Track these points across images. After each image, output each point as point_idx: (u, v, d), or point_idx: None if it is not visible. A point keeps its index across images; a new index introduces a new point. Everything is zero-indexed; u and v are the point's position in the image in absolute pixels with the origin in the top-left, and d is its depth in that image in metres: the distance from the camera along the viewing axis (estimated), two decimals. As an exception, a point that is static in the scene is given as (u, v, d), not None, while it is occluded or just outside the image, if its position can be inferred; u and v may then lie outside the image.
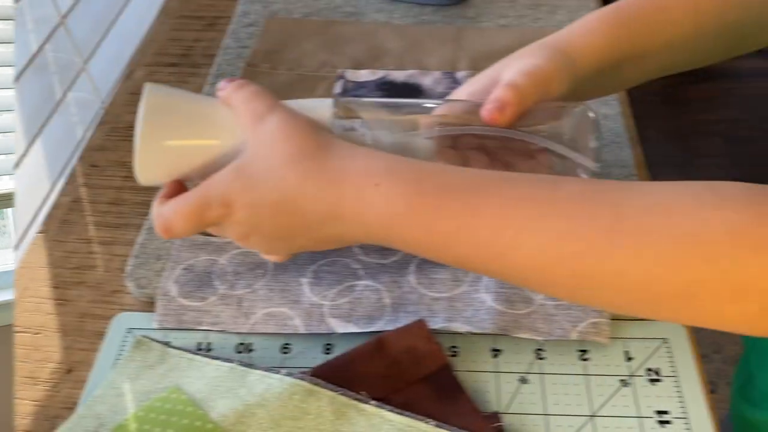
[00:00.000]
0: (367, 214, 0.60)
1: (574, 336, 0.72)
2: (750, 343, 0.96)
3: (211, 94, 1.01)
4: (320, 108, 0.69)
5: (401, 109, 0.73)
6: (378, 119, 0.70)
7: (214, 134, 0.65)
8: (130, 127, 0.99)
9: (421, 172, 0.60)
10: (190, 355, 0.73)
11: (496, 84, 0.70)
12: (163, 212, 0.65)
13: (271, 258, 0.72)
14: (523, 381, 0.72)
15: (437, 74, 1.06)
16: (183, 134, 0.65)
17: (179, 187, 0.68)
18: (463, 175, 0.60)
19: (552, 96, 0.71)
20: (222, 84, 0.68)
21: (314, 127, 0.64)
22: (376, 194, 0.59)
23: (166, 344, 0.74)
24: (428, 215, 0.59)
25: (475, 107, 0.70)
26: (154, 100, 0.63)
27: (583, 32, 0.77)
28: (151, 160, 0.65)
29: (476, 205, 0.58)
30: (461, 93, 0.75)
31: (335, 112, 0.69)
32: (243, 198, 0.62)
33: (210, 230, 0.67)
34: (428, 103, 0.73)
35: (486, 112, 0.67)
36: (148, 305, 0.80)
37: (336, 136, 0.65)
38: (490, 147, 0.72)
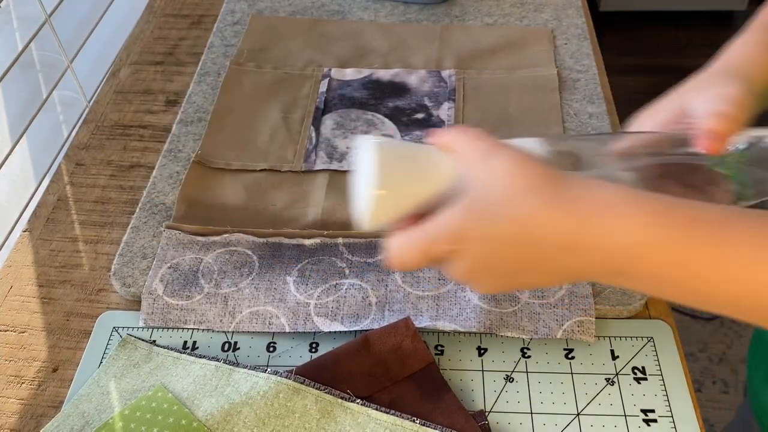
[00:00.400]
0: (609, 244, 0.57)
1: (559, 335, 0.72)
2: None
3: (199, 91, 1.02)
4: (532, 145, 0.69)
5: (600, 142, 0.72)
6: (586, 153, 0.70)
7: (435, 177, 0.65)
8: (116, 126, 1.00)
9: (662, 204, 0.57)
10: (176, 354, 0.73)
11: (684, 114, 0.70)
12: (395, 246, 0.65)
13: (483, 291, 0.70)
14: (509, 379, 0.72)
15: (423, 72, 1.06)
16: (411, 181, 0.65)
17: (412, 220, 0.67)
18: (703, 208, 0.58)
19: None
20: (438, 132, 0.67)
21: (543, 161, 0.63)
22: (618, 224, 0.56)
23: (152, 343, 0.74)
24: (676, 248, 0.56)
25: (666, 138, 0.70)
26: (382, 154, 0.63)
27: (748, 51, 0.78)
28: (382, 208, 0.65)
29: (727, 238, 0.56)
30: (645, 124, 0.74)
31: (550, 150, 0.68)
32: (475, 232, 0.59)
33: (435, 266, 0.66)
34: (619, 135, 0.73)
35: (705, 142, 0.66)
36: (134, 304, 0.80)
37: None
38: (677, 174, 0.71)
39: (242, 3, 1.21)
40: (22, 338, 0.78)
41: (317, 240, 0.82)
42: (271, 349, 0.75)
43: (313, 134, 0.96)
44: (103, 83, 1.11)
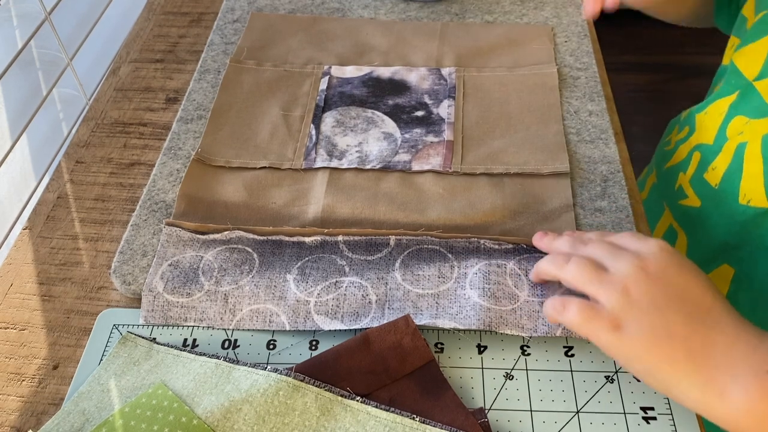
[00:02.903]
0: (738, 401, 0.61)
1: (559, 333, 0.72)
2: None
3: (199, 89, 1.02)
4: None
5: None
6: None
7: None
8: (116, 124, 1.00)
9: None
10: (176, 351, 0.73)
11: None
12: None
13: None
14: (509, 377, 0.72)
15: (423, 70, 1.06)
16: None
17: None
18: None
19: None
20: None
21: None
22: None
23: (152, 340, 0.74)
24: None
25: None
26: None
27: None
28: None
29: None
30: None
31: None
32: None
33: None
34: None
35: None
36: (134, 301, 0.80)
37: None
38: None
39: (242, 1, 1.21)
40: (22, 336, 0.78)
41: (317, 238, 0.82)
42: (271, 346, 0.75)
43: (313, 132, 0.96)
44: (103, 81, 1.11)
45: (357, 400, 0.67)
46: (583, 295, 0.69)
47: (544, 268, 0.74)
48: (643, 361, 0.64)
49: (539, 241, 0.79)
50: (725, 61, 0.96)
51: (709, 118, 0.94)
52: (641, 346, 0.64)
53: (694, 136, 0.97)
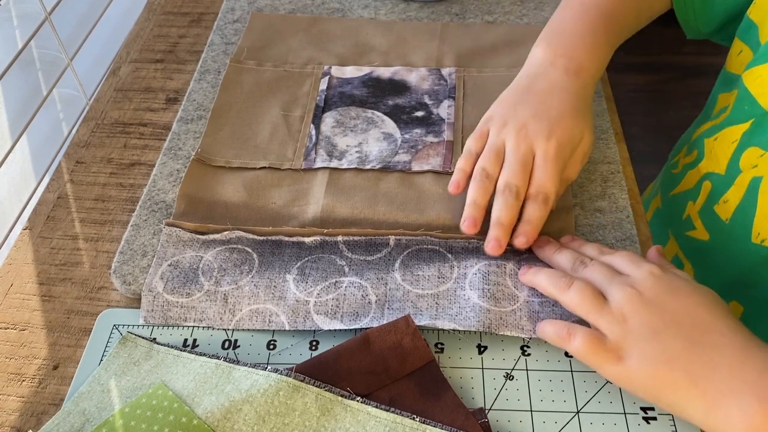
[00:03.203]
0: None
1: (559, 332, 0.72)
2: None
3: (199, 89, 1.02)
4: None
5: None
6: None
7: None
8: (116, 124, 1.00)
9: None
10: (176, 352, 0.73)
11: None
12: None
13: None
14: (509, 377, 0.72)
15: (423, 70, 1.06)
16: None
17: None
18: None
19: None
20: None
21: None
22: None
23: (152, 340, 0.74)
24: None
25: None
26: None
27: (590, 46, 0.90)
28: None
29: None
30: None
31: None
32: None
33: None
34: None
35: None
36: (134, 302, 0.80)
37: None
38: None
39: (242, 1, 1.21)
40: (22, 336, 0.78)
41: (317, 238, 0.82)
42: (271, 346, 0.75)
43: (313, 132, 0.96)
44: (103, 81, 1.11)
45: (357, 401, 0.67)
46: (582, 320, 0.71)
47: (544, 286, 0.74)
48: (648, 389, 0.65)
49: (540, 250, 0.79)
50: (730, 67, 0.93)
51: (720, 145, 0.91)
52: (644, 375, 0.65)
53: (704, 162, 0.95)
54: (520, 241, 0.78)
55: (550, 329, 0.71)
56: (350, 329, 0.75)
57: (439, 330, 0.75)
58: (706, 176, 0.93)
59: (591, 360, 0.67)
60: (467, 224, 0.79)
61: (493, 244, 0.77)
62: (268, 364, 0.73)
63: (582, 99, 0.86)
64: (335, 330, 0.75)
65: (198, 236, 0.82)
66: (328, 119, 0.98)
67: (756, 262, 0.85)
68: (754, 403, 0.60)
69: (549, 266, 0.77)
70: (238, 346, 0.75)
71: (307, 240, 0.82)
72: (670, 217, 1.02)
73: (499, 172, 0.81)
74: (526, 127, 0.81)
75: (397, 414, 0.66)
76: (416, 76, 1.05)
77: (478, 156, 0.83)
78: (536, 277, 0.75)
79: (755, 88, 0.84)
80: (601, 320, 0.68)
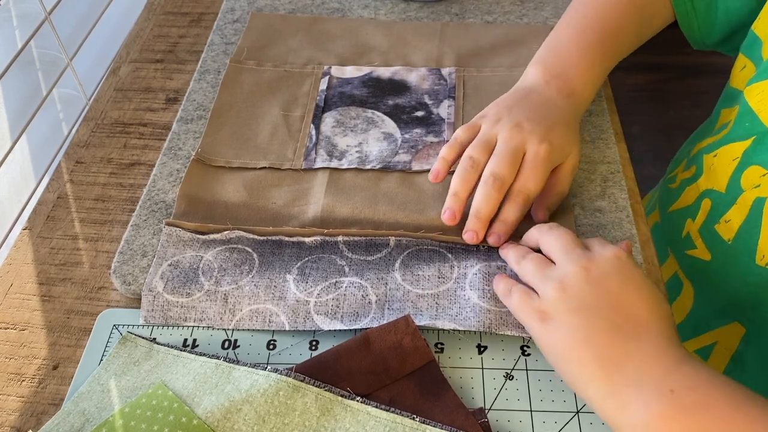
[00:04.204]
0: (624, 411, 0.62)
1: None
2: None
3: (199, 89, 1.02)
4: None
5: None
6: None
7: None
8: (116, 124, 1.00)
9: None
10: (176, 352, 0.73)
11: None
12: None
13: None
14: (509, 377, 0.72)
15: (423, 70, 1.06)
16: None
17: None
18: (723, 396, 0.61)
19: None
20: None
21: None
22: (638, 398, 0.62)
23: (152, 340, 0.74)
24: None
25: None
26: None
27: (584, 70, 0.90)
28: None
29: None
30: None
31: None
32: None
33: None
34: None
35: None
36: (134, 302, 0.80)
37: None
38: None
39: (242, 1, 1.21)
40: (22, 336, 0.78)
41: (317, 238, 0.82)
42: (271, 346, 0.75)
43: (313, 132, 0.96)
44: (103, 81, 1.11)
45: (357, 401, 0.67)
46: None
47: (505, 255, 0.78)
48: (558, 357, 0.66)
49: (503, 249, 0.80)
50: (733, 82, 0.93)
51: (720, 162, 0.90)
52: (560, 343, 0.66)
53: (703, 179, 0.94)
54: (492, 240, 0.79)
55: (500, 285, 0.74)
56: (350, 329, 0.75)
57: (439, 330, 0.75)
58: (705, 193, 0.93)
59: (519, 315, 0.70)
60: (446, 216, 0.80)
61: (470, 234, 0.79)
62: (268, 364, 0.73)
63: (573, 117, 0.87)
64: (335, 330, 0.75)
65: (198, 236, 0.82)
66: (328, 119, 0.98)
67: (760, 285, 0.85)
68: (654, 396, 0.60)
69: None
70: (238, 346, 0.75)
71: (307, 240, 0.82)
72: (669, 233, 1.02)
73: (485, 164, 0.81)
74: (521, 124, 0.81)
75: (397, 414, 0.66)
76: (416, 76, 1.05)
77: (464, 146, 0.84)
78: (504, 250, 0.78)
79: (756, 104, 0.83)
80: (540, 282, 0.70)
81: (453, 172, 0.83)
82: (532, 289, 0.71)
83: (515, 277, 0.75)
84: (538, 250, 0.76)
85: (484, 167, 0.80)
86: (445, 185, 0.85)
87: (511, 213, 0.79)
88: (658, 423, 0.59)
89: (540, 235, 0.75)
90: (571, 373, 0.65)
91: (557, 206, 0.85)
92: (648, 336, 0.64)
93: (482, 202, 0.78)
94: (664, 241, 1.03)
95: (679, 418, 0.59)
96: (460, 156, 0.83)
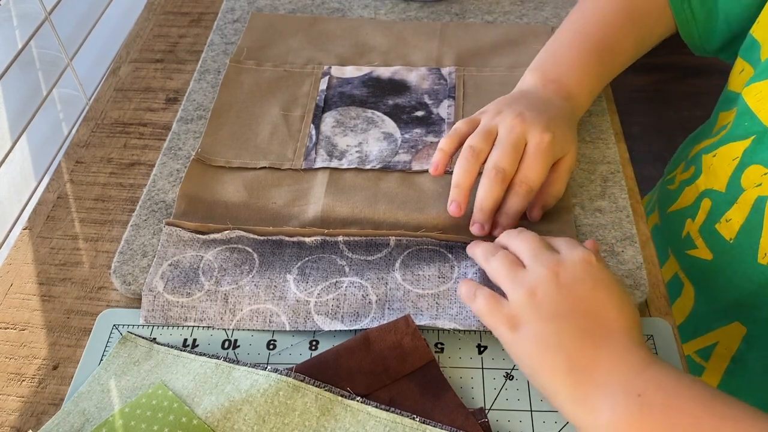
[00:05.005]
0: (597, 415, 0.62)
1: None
2: None
3: (199, 89, 1.02)
4: None
5: None
6: None
7: None
8: (116, 124, 1.00)
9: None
10: (176, 352, 0.73)
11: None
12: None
13: None
14: (509, 377, 0.72)
15: (423, 70, 1.06)
16: None
17: None
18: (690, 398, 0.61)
19: None
20: None
21: None
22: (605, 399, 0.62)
23: (152, 340, 0.74)
24: None
25: None
26: None
27: (580, 78, 0.90)
28: None
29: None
30: None
31: None
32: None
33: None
34: None
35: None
36: (134, 301, 0.80)
37: None
38: None
39: (242, 1, 1.21)
40: (22, 336, 0.78)
41: (317, 238, 0.82)
42: (271, 346, 0.75)
43: (313, 132, 0.96)
44: (103, 81, 1.11)
45: (357, 400, 0.67)
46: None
47: (477, 255, 0.77)
48: (529, 365, 0.66)
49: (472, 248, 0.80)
50: (732, 86, 0.93)
51: (719, 161, 0.90)
52: (530, 350, 0.66)
53: (702, 179, 0.94)
54: (498, 233, 0.79)
55: (462, 289, 0.74)
56: (350, 329, 0.75)
57: (439, 330, 0.75)
58: (705, 193, 0.93)
59: (487, 320, 0.70)
60: (452, 208, 0.80)
61: (477, 227, 0.80)
62: (268, 364, 0.73)
63: (571, 117, 0.87)
64: (335, 330, 0.75)
65: (198, 236, 0.82)
66: (328, 119, 0.98)
67: (762, 283, 0.85)
68: (622, 399, 0.60)
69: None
70: (238, 346, 0.75)
71: (307, 240, 0.82)
72: (669, 234, 1.02)
73: (488, 153, 0.81)
74: (523, 114, 0.81)
75: (396, 414, 0.66)
76: (416, 76, 1.05)
77: (463, 138, 0.83)
78: (472, 247, 0.78)
79: (755, 104, 0.83)
80: (510, 286, 0.69)
81: (451, 172, 0.83)
82: (499, 291, 0.71)
83: (484, 276, 0.76)
84: None
85: (486, 157, 0.80)
86: (446, 186, 0.85)
87: (514, 204, 0.79)
88: (625, 424, 0.59)
89: (508, 239, 0.75)
90: (540, 381, 0.65)
91: (554, 206, 0.85)
92: (617, 339, 0.64)
93: (485, 194, 0.78)
94: (665, 242, 1.03)
95: (646, 419, 0.59)
96: (459, 148, 0.83)
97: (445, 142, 0.83)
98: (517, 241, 0.74)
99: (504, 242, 0.76)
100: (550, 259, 0.69)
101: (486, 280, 0.75)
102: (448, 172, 0.85)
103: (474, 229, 0.80)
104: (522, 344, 0.66)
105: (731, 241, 0.88)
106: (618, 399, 0.60)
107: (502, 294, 0.71)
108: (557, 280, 0.67)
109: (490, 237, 0.80)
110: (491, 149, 0.81)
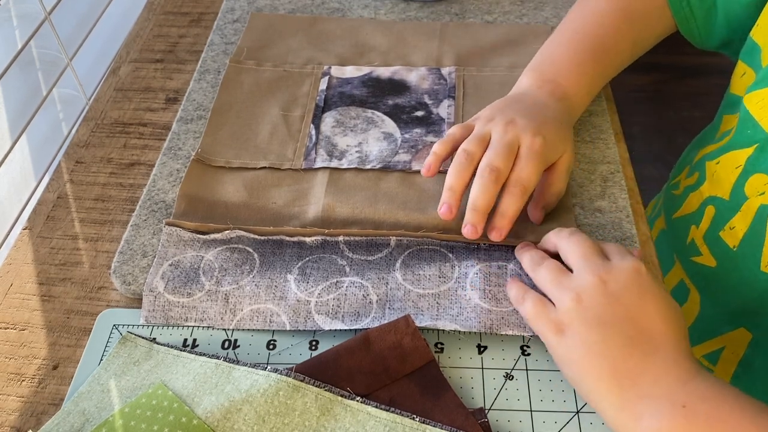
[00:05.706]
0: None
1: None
2: None
3: (199, 89, 1.02)
4: None
5: None
6: None
7: None
8: (116, 124, 1.00)
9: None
10: (176, 352, 0.73)
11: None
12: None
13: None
14: (509, 377, 0.72)
15: (423, 70, 1.06)
16: None
17: None
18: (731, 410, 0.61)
19: None
20: None
21: None
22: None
23: (152, 340, 0.74)
24: None
25: None
26: None
27: (576, 79, 0.91)
28: None
29: None
30: None
31: None
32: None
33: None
34: None
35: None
36: (134, 302, 0.80)
37: None
38: None
39: (242, 1, 1.21)
40: (22, 336, 0.78)
41: (318, 238, 0.82)
42: (271, 346, 0.75)
43: (313, 132, 0.96)
44: (102, 81, 1.11)
45: (357, 400, 0.67)
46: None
47: (519, 257, 0.78)
48: (573, 370, 0.66)
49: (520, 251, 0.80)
50: (734, 89, 0.92)
51: (723, 169, 0.90)
52: (576, 357, 0.66)
53: (706, 186, 0.94)
54: (494, 236, 0.78)
55: (512, 291, 0.74)
56: (350, 329, 0.75)
57: (439, 330, 0.75)
58: (709, 200, 0.93)
59: (534, 324, 0.70)
60: (443, 210, 0.79)
61: (468, 228, 0.78)
62: (268, 364, 0.73)
63: (565, 118, 0.87)
64: (335, 330, 0.75)
65: (199, 236, 0.82)
66: (328, 119, 0.98)
67: (765, 291, 0.85)
68: (666, 408, 0.60)
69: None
70: (238, 346, 0.75)
71: (308, 240, 0.82)
72: (675, 240, 1.01)
73: (481, 156, 0.80)
74: (514, 121, 0.81)
75: (396, 414, 0.66)
76: (416, 76, 1.05)
77: (457, 143, 0.83)
78: (520, 252, 0.78)
79: (757, 112, 0.83)
80: (557, 292, 0.70)
81: (445, 172, 0.83)
82: (546, 297, 0.71)
83: (526, 277, 0.76)
84: (555, 255, 0.76)
85: (479, 161, 0.80)
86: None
87: (509, 205, 0.78)
88: (668, 430, 0.59)
89: (559, 240, 0.75)
90: (583, 387, 0.65)
91: (555, 206, 0.85)
92: (664, 349, 0.64)
93: (479, 194, 0.78)
94: (670, 248, 1.03)
95: (691, 430, 0.59)
96: (453, 152, 0.83)
97: (439, 147, 0.83)
98: (568, 242, 0.74)
99: (554, 241, 0.76)
100: (599, 266, 0.69)
101: (490, 280, 0.75)
102: (443, 172, 0.85)
103: (466, 231, 0.78)
104: (567, 350, 0.66)
105: (735, 249, 0.87)
106: (662, 408, 0.60)
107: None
108: (605, 287, 0.68)
109: (486, 239, 0.80)
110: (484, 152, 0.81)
